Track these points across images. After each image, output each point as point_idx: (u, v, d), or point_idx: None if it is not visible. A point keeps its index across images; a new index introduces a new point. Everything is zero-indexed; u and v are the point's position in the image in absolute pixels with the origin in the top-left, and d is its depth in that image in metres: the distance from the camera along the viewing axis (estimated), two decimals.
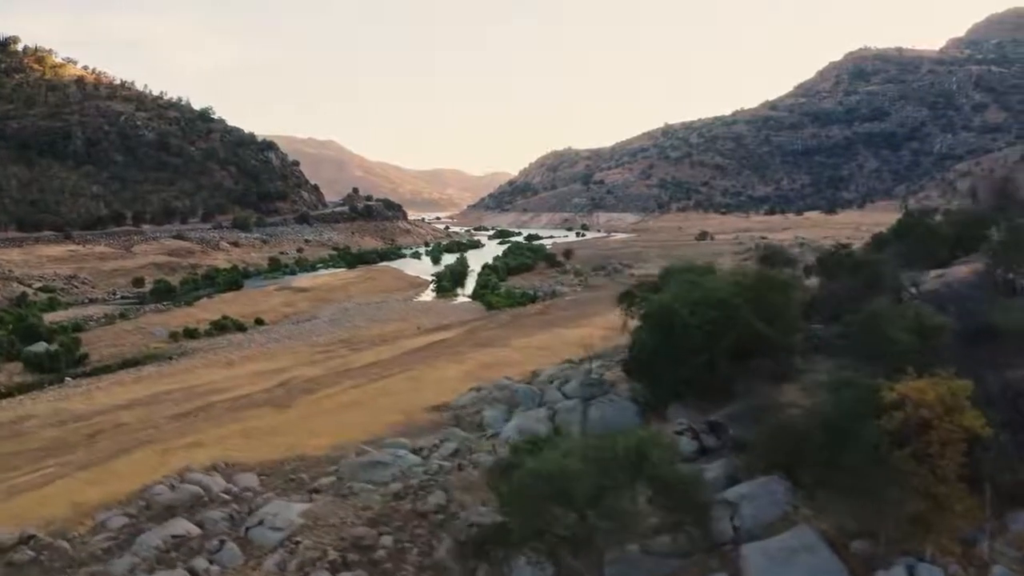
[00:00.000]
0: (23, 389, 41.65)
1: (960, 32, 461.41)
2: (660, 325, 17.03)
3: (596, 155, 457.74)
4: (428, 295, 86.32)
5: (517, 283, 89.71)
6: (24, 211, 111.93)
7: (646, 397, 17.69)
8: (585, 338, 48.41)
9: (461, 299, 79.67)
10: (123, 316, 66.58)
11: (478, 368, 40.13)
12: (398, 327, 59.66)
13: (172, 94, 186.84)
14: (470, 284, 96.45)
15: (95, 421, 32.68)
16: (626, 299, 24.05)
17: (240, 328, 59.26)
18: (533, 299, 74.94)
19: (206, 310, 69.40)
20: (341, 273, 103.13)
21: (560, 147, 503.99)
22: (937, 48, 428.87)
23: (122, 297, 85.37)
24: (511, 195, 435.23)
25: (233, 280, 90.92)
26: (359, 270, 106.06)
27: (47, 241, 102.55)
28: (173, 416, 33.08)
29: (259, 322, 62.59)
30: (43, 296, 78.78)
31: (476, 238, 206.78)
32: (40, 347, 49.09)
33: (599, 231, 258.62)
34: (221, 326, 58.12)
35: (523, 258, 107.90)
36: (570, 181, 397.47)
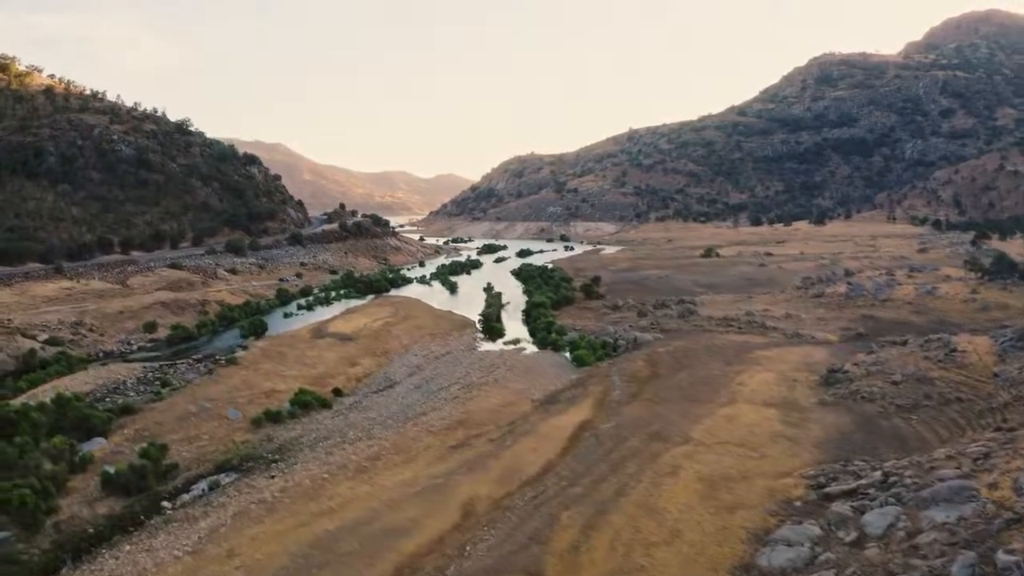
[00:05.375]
0: (114, 526, 32.61)
1: (918, 36, 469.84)
2: None
3: (560, 160, 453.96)
4: (480, 339, 78.12)
5: (574, 322, 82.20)
6: (3, 239, 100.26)
7: None
8: (765, 426, 41.50)
9: (530, 348, 71.72)
10: (164, 383, 57.04)
11: (702, 485, 32.79)
12: (503, 397, 51.69)
13: (106, 94, 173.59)
14: (506, 318, 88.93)
15: None
16: None
17: (323, 403, 50.49)
18: (615, 348, 67.57)
19: (258, 371, 60.36)
20: (367, 308, 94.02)
21: (522, 152, 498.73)
22: (896, 52, 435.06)
23: (139, 348, 75.38)
24: (475, 201, 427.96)
25: (258, 324, 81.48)
26: (383, 305, 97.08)
27: (37, 277, 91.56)
28: None
29: (337, 392, 53.87)
30: (52, 350, 68.51)
31: (466, 254, 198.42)
32: (110, 452, 40.00)
33: (581, 242, 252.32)
34: (303, 403, 49.23)
35: (563, 290, 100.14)
36: (536, 187, 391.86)
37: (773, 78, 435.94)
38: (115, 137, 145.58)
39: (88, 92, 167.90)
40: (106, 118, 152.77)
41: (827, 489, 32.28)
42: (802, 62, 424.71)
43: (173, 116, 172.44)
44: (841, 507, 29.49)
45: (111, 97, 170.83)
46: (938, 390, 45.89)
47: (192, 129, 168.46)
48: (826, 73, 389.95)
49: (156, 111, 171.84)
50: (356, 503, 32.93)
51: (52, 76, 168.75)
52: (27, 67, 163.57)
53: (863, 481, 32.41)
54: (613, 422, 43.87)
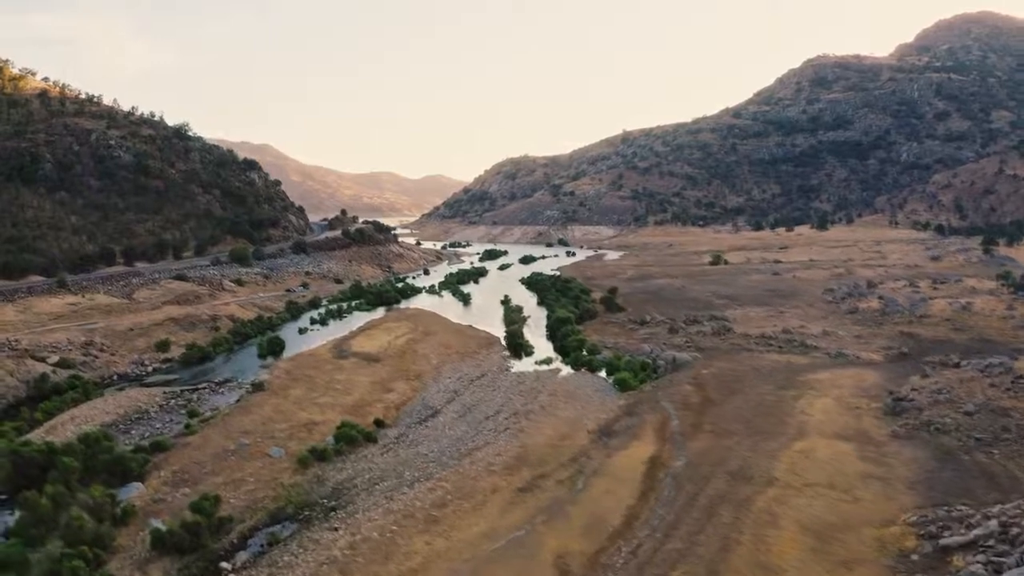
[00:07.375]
0: None
1: (909, 38, 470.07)
2: None
3: (554, 162, 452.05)
4: (509, 358, 75.33)
5: (602, 339, 79.77)
6: (3, 251, 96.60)
7: None
8: (846, 463, 39.16)
9: (564, 369, 69.01)
10: (192, 413, 54.19)
11: (808, 536, 30.80)
12: (556, 429, 49.12)
13: (102, 97, 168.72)
14: (529, 334, 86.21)
15: None
16: None
17: (368, 437, 47.64)
18: (654, 369, 65.08)
19: (288, 398, 57.48)
20: (385, 323, 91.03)
21: (513, 153, 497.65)
22: (887, 54, 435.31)
23: (153, 369, 72.22)
24: (468, 204, 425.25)
25: (275, 342, 78.48)
26: (400, 319, 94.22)
27: (40, 292, 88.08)
28: None
29: (379, 424, 51.06)
30: (63, 373, 65.31)
31: (468, 260, 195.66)
32: (151, 500, 37.10)
33: (581, 247, 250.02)
34: (349, 438, 46.38)
35: (583, 302, 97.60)
36: (530, 190, 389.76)
37: (767, 80, 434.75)
38: (112, 142, 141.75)
39: (84, 96, 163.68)
40: (103, 123, 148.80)
41: (942, 541, 30.45)
42: (796, 64, 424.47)
43: (160, 118, 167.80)
44: (970, 564, 28.23)
45: (106, 100, 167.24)
46: (1015, 422, 43.89)
47: (191, 134, 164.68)
48: (820, 75, 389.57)
49: (153, 115, 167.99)
50: (437, 563, 30.27)
51: (46, 80, 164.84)
52: (21, 70, 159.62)
53: (979, 531, 30.68)
54: (683, 459, 41.40)
